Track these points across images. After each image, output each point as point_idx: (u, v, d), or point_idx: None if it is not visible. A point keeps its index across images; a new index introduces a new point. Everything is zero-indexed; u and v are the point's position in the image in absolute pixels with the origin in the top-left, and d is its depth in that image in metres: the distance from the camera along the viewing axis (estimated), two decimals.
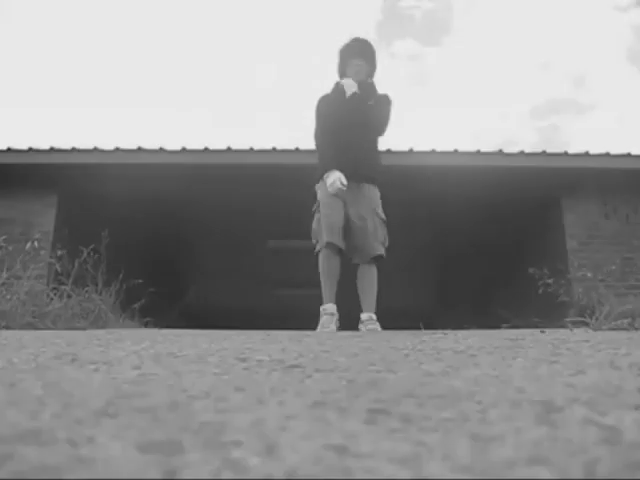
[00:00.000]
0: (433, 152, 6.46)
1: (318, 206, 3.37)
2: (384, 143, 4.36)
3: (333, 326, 3.09)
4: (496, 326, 4.10)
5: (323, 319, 3.14)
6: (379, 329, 3.15)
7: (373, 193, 3.37)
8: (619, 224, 6.47)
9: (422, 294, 10.37)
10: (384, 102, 3.46)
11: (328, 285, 3.25)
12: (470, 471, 0.43)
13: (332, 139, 3.35)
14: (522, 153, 6.46)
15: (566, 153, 6.48)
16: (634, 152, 6.42)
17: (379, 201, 3.39)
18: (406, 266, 10.37)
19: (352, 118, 3.37)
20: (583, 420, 0.59)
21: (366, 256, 3.30)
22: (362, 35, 3.61)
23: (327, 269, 3.25)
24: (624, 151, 6.42)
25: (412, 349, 1.47)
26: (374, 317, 3.22)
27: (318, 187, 3.42)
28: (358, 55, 3.48)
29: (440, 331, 2.40)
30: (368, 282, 3.31)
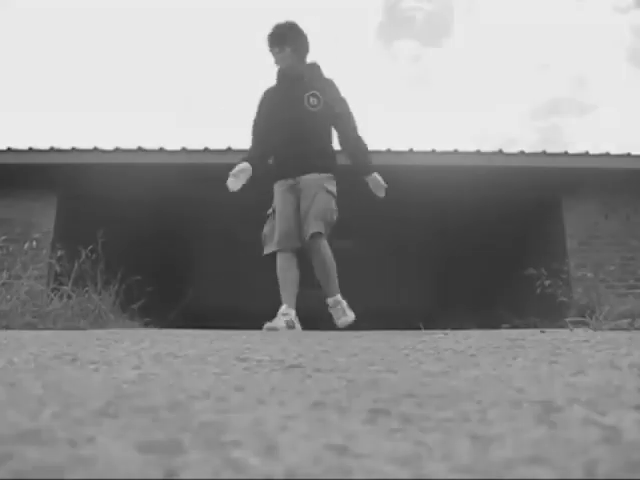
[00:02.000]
0: (433, 152, 6.46)
1: (273, 212, 3.37)
2: (383, 144, 4.37)
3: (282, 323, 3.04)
4: (496, 326, 4.10)
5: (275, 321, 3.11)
6: (349, 318, 3.16)
7: (316, 177, 3.33)
8: (619, 224, 6.47)
9: (422, 294, 10.37)
10: (336, 99, 3.42)
11: (283, 289, 3.22)
12: (470, 471, 0.43)
13: (266, 138, 3.41)
14: (522, 153, 6.46)
15: (566, 153, 6.48)
16: (634, 152, 6.43)
17: (328, 181, 3.34)
18: (406, 266, 10.37)
19: (288, 116, 3.38)
20: (583, 420, 0.59)
21: (304, 237, 3.27)
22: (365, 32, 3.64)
23: (283, 274, 3.22)
24: (624, 151, 6.43)
25: (412, 349, 1.47)
26: (339, 299, 3.22)
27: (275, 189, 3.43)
28: (271, 44, 3.48)
29: (440, 331, 2.40)
30: (319, 263, 3.25)
